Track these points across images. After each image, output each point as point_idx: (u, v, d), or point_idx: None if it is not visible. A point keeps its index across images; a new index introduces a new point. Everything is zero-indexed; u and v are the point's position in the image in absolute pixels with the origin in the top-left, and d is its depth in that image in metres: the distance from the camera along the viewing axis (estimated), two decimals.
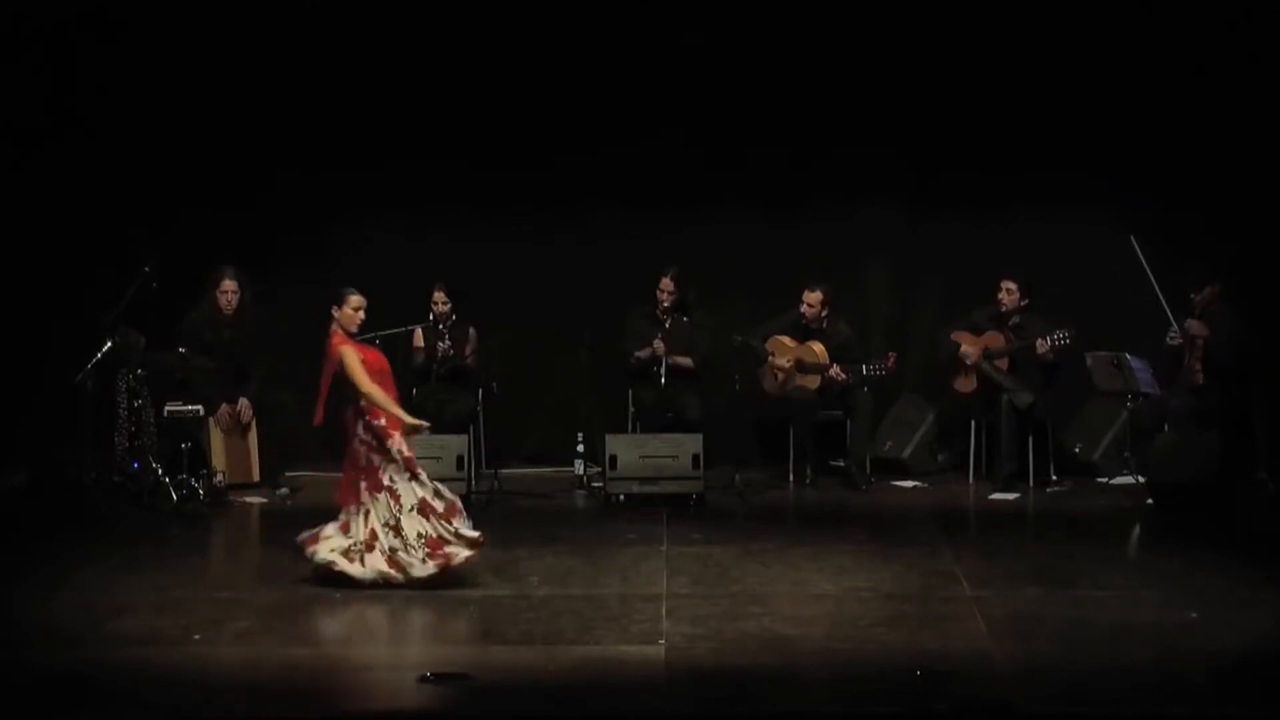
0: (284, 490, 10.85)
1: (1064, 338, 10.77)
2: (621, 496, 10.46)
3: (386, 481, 8.24)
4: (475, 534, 8.30)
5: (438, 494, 8.30)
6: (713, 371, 11.36)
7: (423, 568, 8.15)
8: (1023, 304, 11.03)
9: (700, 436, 10.52)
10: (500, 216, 11.69)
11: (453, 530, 8.23)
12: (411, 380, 11.20)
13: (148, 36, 11.27)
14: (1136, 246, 10.50)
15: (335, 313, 8.44)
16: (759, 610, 7.88)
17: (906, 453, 11.60)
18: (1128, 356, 10.72)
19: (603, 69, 11.54)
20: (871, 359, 10.98)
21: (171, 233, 11.11)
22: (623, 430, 11.08)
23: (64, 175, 11.27)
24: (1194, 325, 10.42)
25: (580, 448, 11.17)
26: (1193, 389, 10.41)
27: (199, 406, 10.74)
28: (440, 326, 11.16)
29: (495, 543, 9.32)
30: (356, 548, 8.18)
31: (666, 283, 11.24)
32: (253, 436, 11.01)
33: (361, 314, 8.46)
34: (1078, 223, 11.44)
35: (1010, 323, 11.06)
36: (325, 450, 11.62)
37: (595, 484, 10.90)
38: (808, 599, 8.15)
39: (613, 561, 8.88)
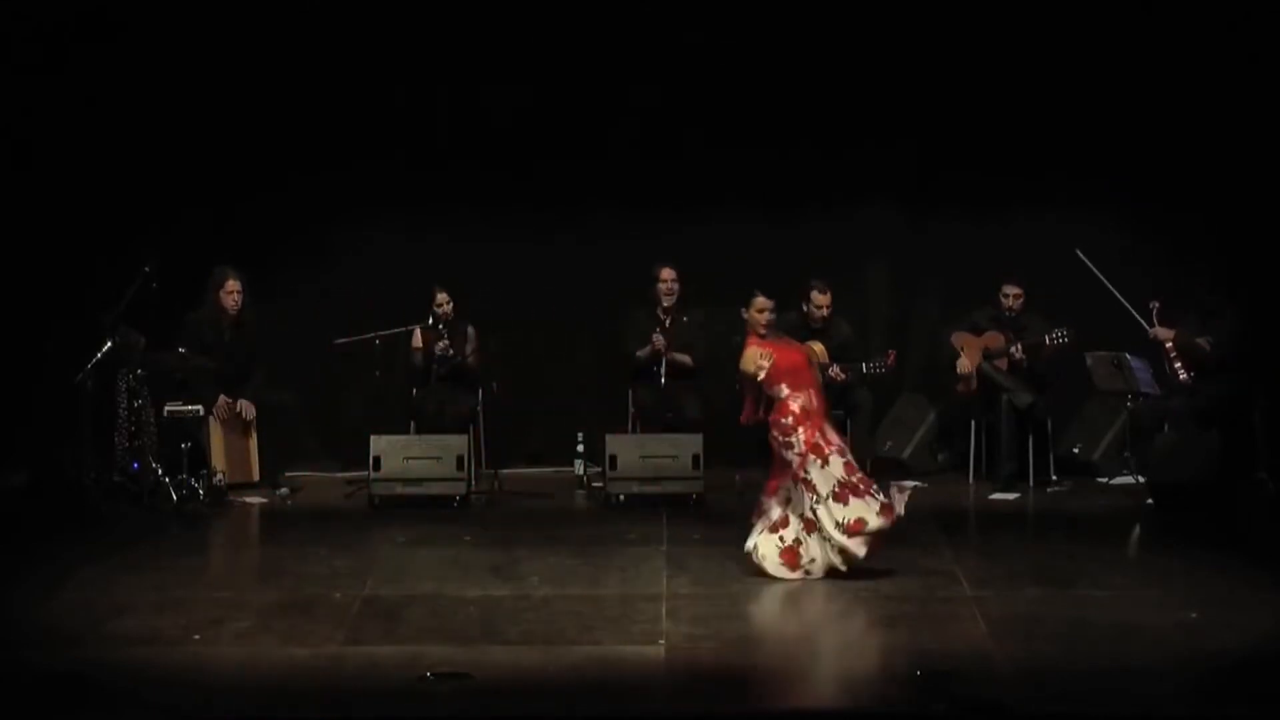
0: (284, 490, 10.84)
1: (1062, 337, 10.78)
2: (621, 496, 10.46)
3: (802, 475, 8.36)
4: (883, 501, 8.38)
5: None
6: (712, 371, 11.36)
7: (842, 554, 8.27)
8: (1024, 305, 11.05)
9: (700, 436, 10.51)
10: (500, 216, 11.68)
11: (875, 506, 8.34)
12: (411, 380, 11.21)
13: (147, 36, 11.26)
14: (1084, 259, 10.59)
15: (744, 314, 8.64)
16: (759, 610, 7.88)
17: (906, 453, 11.60)
18: (1128, 356, 10.74)
19: (603, 68, 11.54)
20: (871, 357, 10.98)
21: (171, 233, 11.11)
22: (623, 430, 11.08)
23: (64, 175, 11.26)
24: (1159, 332, 10.50)
25: (580, 448, 11.17)
26: (1185, 389, 10.44)
27: (199, 406, 10.73)
28: (440, 327, 11.16)
29: (495, 543, 9.37)
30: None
31: (668, 273, 11.20)
32: (253, 436, 11.00)
33: (767, 314, 8.62)
34: (1078, 223, 11.44)
35: (1015, 324, 11.07)
36: (325, 450, 11.75)
37: (595, 484, 10.91)
38: (808, 599, 8.15)
39: (613, 561, 8.88)
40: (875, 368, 10.88)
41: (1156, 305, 10.59)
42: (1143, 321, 10.57)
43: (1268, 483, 10.40)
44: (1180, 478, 10.11)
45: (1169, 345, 10.50)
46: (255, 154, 11.44)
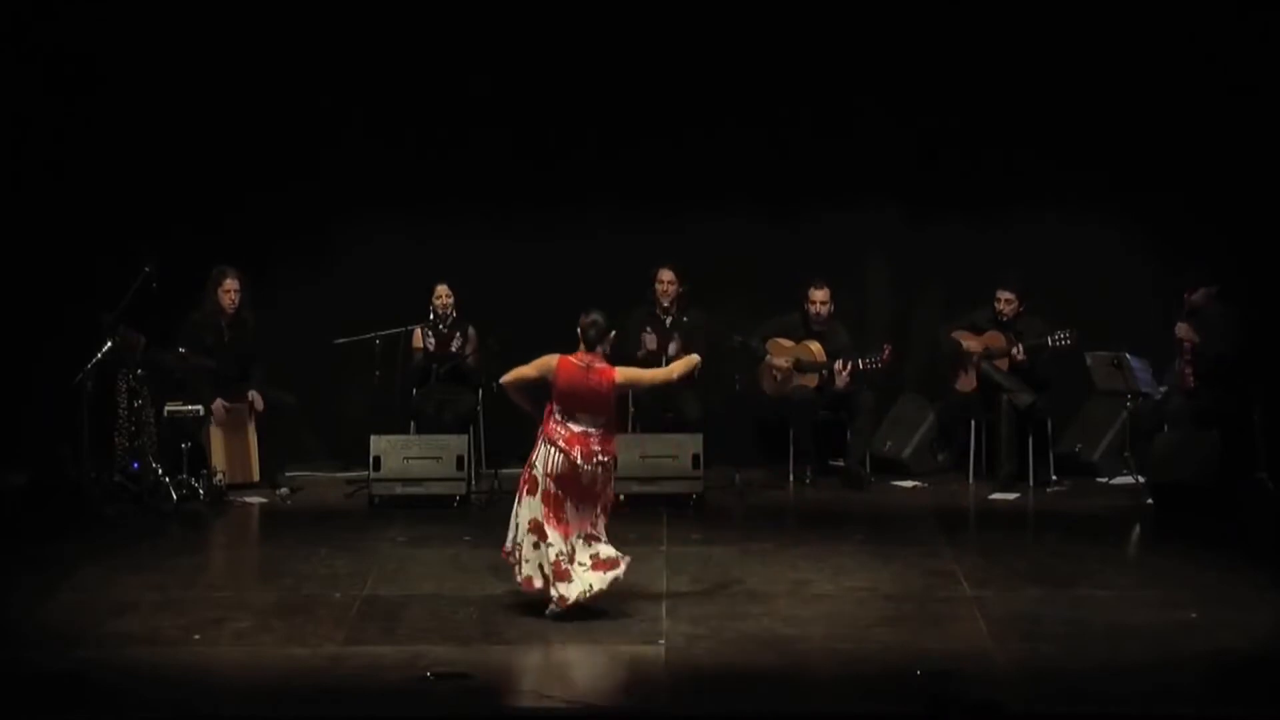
0: (284, 490, 10.84)
1: (1064, 340, 10.77)
2: (621, 496, 10.44)
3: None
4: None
5: None
6: (712, 371, 11.35)
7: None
8: (1020, 310, 11.03)
9: (700, 436, 10.51)
10: (500, 216, 11.68)
11: None
12: (411, 380, 11.21)
13: (148, 35, 11.25)
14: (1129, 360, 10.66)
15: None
16: (759, 610, 7.89)
17: (906, 453, 11.59)
18: (1128, 356, 10.73)
19: (603, 68, 11.53)
20: (868, 353, 10.95)
21: (171, 233, 11.11)
22: (623, 430, 11.05)
23: (64, 175, 11.26)
24: (1182, 329, 10.47)
25: None
26: (1186, 391, 10.44)
27: (199, 406, 10.72)
28: (440, 326, 11.15)
29: (495, 542, 9.35)
30: None
31: (666, 274, 11.19)
32: (253, 436, 11.00)
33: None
34: (1077, 223, 11.43)
35: (1013, 328, 11.06)
36: (325, 450, 11.75)
37: None
38: (808, 599, 8.16)
39: None
40: (872, 363, 10.87)
41: (1190, 298, 10.53)
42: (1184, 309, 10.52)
43: (1268, 483, 10.39)
44: (1180, 478, 10.10)
45: (1189, 345, 10.44)
46: (255, 154, 11.43)
